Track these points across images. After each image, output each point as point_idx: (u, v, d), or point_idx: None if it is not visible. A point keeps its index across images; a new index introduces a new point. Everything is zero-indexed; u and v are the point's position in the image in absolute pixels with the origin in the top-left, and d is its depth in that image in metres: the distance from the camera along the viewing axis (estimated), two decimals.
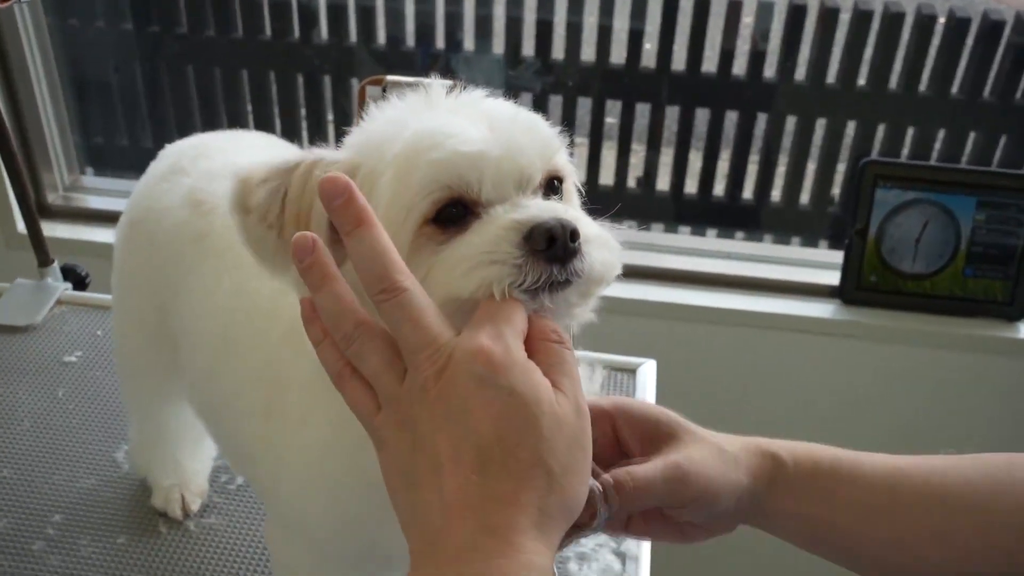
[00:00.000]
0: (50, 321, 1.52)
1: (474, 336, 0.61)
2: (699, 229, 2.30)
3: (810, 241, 2.27)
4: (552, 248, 0.64)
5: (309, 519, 0.88)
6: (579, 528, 0.71)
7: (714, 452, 0.78)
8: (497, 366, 0.59)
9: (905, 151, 2.13)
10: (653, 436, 0.79)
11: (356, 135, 0.74)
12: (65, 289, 1.57)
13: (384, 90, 1.49)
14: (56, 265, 1.59)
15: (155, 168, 1.11)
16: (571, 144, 0.75)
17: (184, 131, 2.26)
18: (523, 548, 0.57)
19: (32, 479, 1.25)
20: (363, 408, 0.63)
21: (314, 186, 0.69)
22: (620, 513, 0.75)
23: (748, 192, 2.24)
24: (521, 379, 0.60)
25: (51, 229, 1.62)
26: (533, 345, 0.64)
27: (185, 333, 1.02)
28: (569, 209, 0.69)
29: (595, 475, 0.73)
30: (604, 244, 0.69)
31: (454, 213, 0.67)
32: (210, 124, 2.30)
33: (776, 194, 2.25)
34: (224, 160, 1.05)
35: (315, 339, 0.65)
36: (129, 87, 2.31)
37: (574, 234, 0.65)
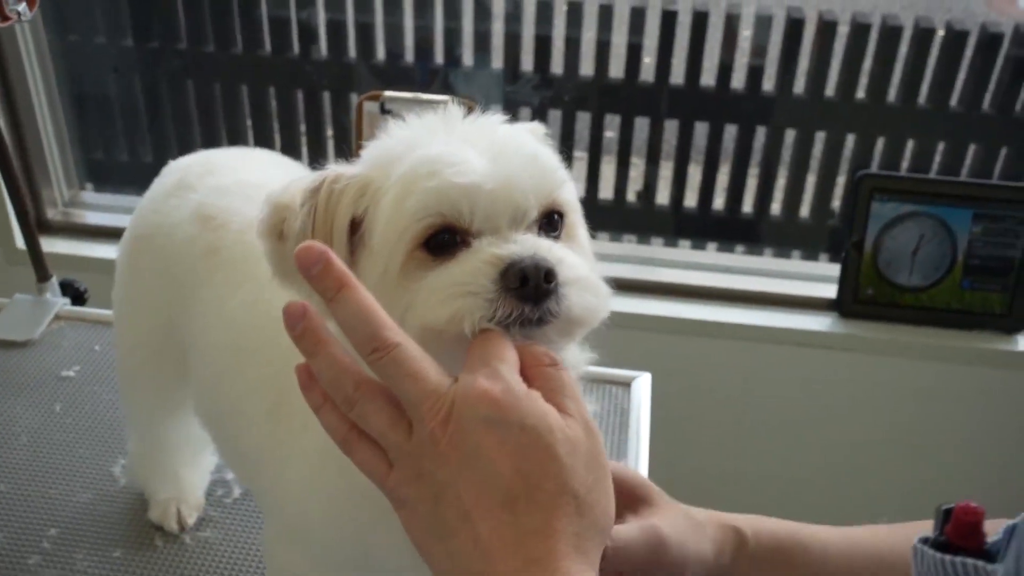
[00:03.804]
0: (48, 336, 1.52)
1: (472, 380, 0.60)
2: (699, 243, 2.30)
3: (810, 254, 2.27)
4: (525, 287, 0.65)
5: (308, 525, 0.88)
6: None
7: (687, 519, 0.80)
8: (502, 404, 0.59)
9: (905, 164, 2.13)
10: (628, 499, 0.80)
11: (371, 150, 0.74)
12: (63, 304, 1.57)
13: (382, 105, 1.50)
14: (55, 280, 1.59)
15: (161, 184, 1.11)
16: (570, 163, 0.75)
17: (184, 147, 2.29)
18: (568, 571, 0.58)
19: (28, 493, 1.25)
20: (375, 470, 0.63)
21: (336, 202, 0.71)
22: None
23: (748, 205, 2.24)
24: (528, 412, 0.60)
25: (50, 244, 1.63)
26: (529, 373, 0.64)
27: (194, 344, 1.02)
28: (555, 248, 0.69)
29: None
30: (587, 288, 0.69)
31: (446, 240, 0.68)
32: (210, 140, 2.31)
33: (776, 207, 2.25)
34: (234, 177, 1.06)
35: (315, 405, 0.65)
36: (129, 103, 2.32)
37: (549, 275, 0.65)
